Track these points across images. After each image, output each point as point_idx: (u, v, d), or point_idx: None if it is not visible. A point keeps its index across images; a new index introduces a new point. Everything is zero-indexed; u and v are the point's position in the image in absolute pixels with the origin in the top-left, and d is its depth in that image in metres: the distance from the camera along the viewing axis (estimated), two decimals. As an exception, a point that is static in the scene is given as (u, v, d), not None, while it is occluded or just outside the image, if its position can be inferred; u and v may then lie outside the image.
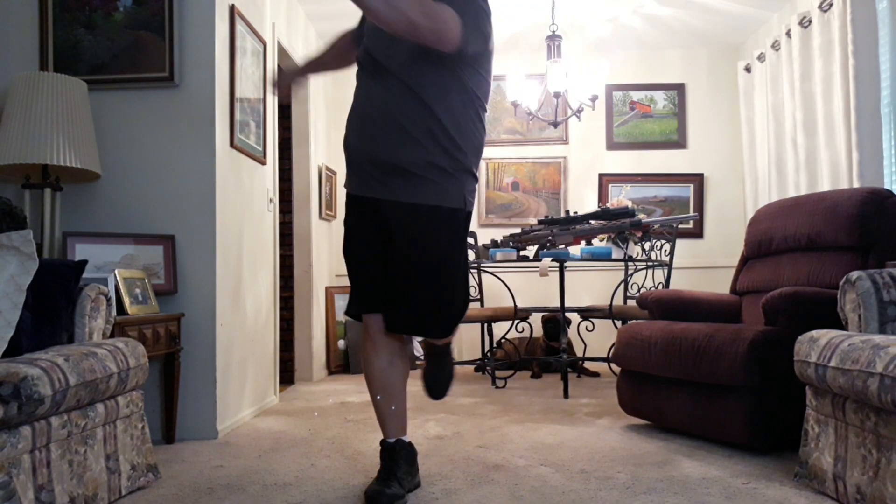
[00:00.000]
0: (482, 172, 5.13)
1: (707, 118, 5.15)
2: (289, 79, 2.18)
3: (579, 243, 3.89)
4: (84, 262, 2.16)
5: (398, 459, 1.94)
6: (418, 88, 1.84)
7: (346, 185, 2.01)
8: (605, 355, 4.23)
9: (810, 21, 3.86)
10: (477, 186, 2.01)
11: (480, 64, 1.90)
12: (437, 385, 2.21)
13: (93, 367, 1.78)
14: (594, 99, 4.21)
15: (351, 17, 4.95)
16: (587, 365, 4.50)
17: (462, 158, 1.89)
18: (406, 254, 1.90)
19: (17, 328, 1.86)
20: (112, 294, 2.26)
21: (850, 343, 1.75)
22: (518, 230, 4.06)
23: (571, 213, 3.88)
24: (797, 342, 2.00)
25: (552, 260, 3.74)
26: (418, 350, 5.02)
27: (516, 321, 4.21)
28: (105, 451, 1.89)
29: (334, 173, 5.00)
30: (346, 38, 2.13)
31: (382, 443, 1.98)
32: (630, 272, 4.52)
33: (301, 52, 4.23)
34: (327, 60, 2.19)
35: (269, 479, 2.13)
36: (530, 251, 3.97)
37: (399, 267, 1.91)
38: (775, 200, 3.46)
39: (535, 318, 4.59)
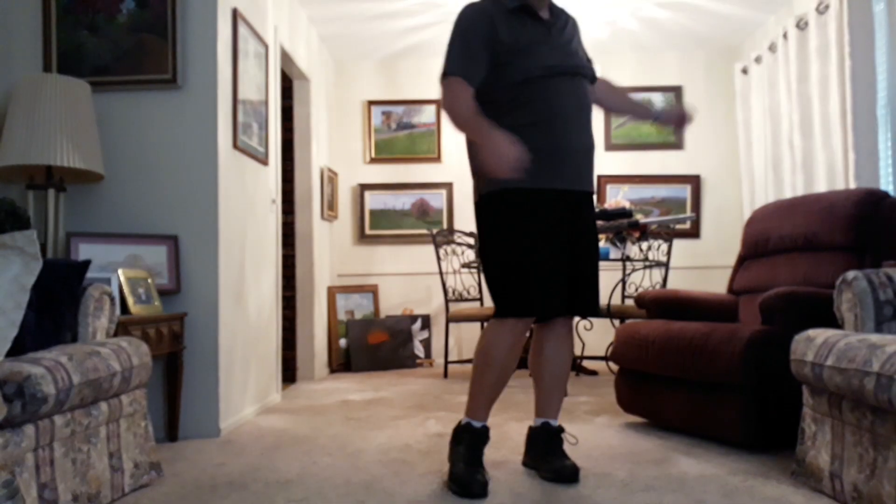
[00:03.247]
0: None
1: (704, 120, 5.17)
2: None
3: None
4: (87, 262, 2.17)
5: (482, 445, 2.06)
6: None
7: (526, 182, 1.96)
8: (603, 354, 4.24)
9: (807, 23, 3.88)
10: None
11: (493, 70, 2.04)
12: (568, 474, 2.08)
13: (96, 366, 1.79)
14: (593, 100, 4.23)
15: (351, 20, 4.97)
16: (585, 363, 4.52)
17: None
18: (592, 239, 2.17)
19: (21, 328, 1.87)
20: (115, 294, 2.27)
21: (847, 342, 1.76)
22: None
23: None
24: (794, 341, 2.01)
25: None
26: (418, 349, 5.03)
27: (516, 321, 4.22)
28: (108, 449, 1.90)
29: (336, 174, 5.02)
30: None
31: (469, 426, 2.06)
32: (628, 272, 4.54)
33: (303, 55, 4.26)
34: None
35: (271, 476, 2.15)
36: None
37: (590, 253, 2.15)
38: (772, 201, 3.48)
39: (535, 319, 4.60)
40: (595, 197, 2.19)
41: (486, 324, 4.35)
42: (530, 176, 1.92)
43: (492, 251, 2.05)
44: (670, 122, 2.33)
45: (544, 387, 2.17)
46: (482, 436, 2.06)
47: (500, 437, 2.64)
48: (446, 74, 2.03)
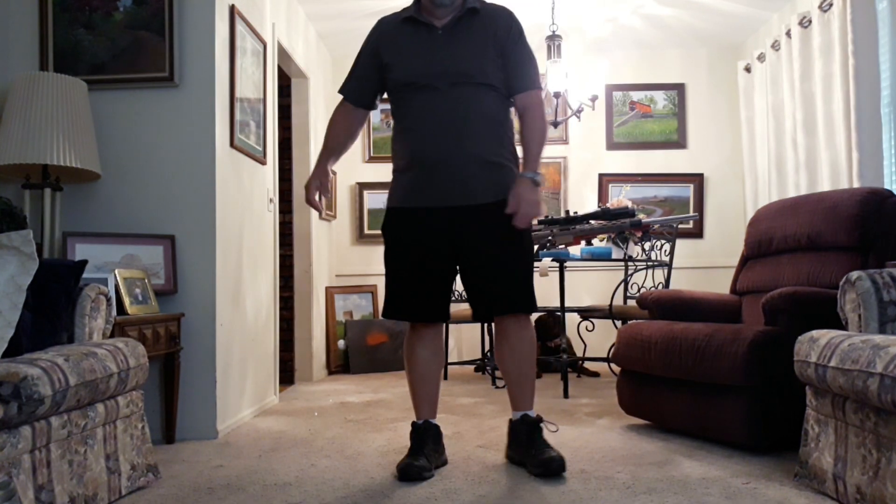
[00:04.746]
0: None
1: (707, 118, 5.15)
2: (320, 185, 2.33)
3: (579, 243, 3.89)
4: (84, 262, 2.16)
5: (426, 438, 2.19)
6: None
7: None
8: (605, 355, 4.23)
9: (810, 21, 3.86)
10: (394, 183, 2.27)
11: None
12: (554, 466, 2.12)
13: (93, 367, 1.78)
14: (594, 99, 4.22)
15: (349, 17, 4.95)
16: (587, 365, 4.50)
17: None
18: (485, 248, 2.24)
19: (17, 328, 1.86)
20: (112, 294, 2.26)
21: (850, 343, 1.75)
22: (518, 230, 4.05)
23: (571, 213, 3.88)
24: (797, 342, 2.00)
25: (552, 260, 3.74)
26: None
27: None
28: (105, 451, 1.89)
29: (334, 173, 5.00)
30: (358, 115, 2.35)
31: (413, 424, 2.22)
32: (630, 272, 4.52)
33: (301, 53, 4.24)
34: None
35: (269, 479, 2.13)
36: (530, 251, 3.96)
37: (483, 261, 2.24)
38: (775, 200, 3.46)
39: (535, 319, 4.58)
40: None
41: (486, 325, 4.34)
42: (400, 195, 2.17)
43: (384, 258, 2.29)
44: (512, 200, 2.12)
45: (512, 381, 2.26)
46: (422, 429, 2.20)
47: (500, 438, 2.61)
48: (340, 91, 2.29)
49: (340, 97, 2.34)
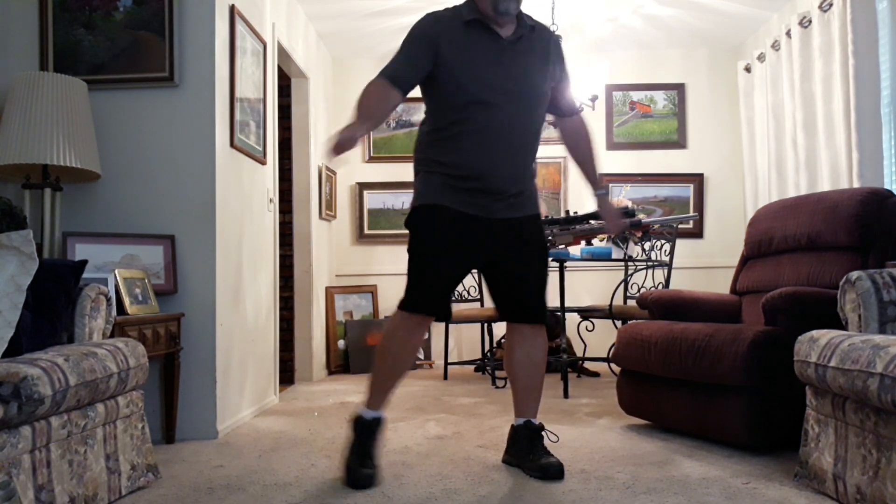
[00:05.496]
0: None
1: (707, 118, 5.15)
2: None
3: (579, 243, 3.89)
4: (84, 262, 2.16)
5: (377, 434, 2.16)
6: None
7: None
8: (605, 355, 4.23)
9: (810, 21, 3.86)
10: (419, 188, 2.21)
11: (427, 86, 2.15)
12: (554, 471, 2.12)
13: (93, 367, 1.78)
14: (594, 99, 4.21)
15: (349, 17, 4.95)
16: (587, 365, 4.50)
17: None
18: (520, 258, 2.27)
19: (17, 328, 1.86)
20: (112, 294, 2.26)
21: (850, 343, 1.75)
22: (518, 230, 4.05)
23: (571, 213, 3.88)
24: (797, 342, 2.00)
25: (552, 260, 3.73)
26: (418, 350, 5.01)
27: (516, 321, 4.20)
28: (105, 451, 1.89)
29: (334, 173, 5.00)
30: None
31: (360, 418, 2.16)
32: (630, 272, 4.52)
33: (301, 53, 4.24)
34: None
35: (269, 479, 2.13)
36: (530, 251, 3.96)
37: (518, 270, 2.27)
38: (775, 200, 3.46)
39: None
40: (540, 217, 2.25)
41: (485, 325, 4.33)
42: (444, 196, 2.11)
43: (411, 251, 2.21)
44: (605, 217, 2.36)
45: (520, 388, 2.26)
46: (372, 426, 2.14)
47: (501, 439, 2.61)
48: (379, 75, 2.10)
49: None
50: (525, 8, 2.15)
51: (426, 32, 2.11)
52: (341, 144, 1.93)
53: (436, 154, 2.14)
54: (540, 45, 2.16)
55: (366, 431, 2.13)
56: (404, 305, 2.13)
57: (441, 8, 2.21)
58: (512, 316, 2.24)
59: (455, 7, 2.15)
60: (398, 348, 2.16)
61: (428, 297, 2.13)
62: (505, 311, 2.25)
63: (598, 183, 2.31)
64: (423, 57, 2.09)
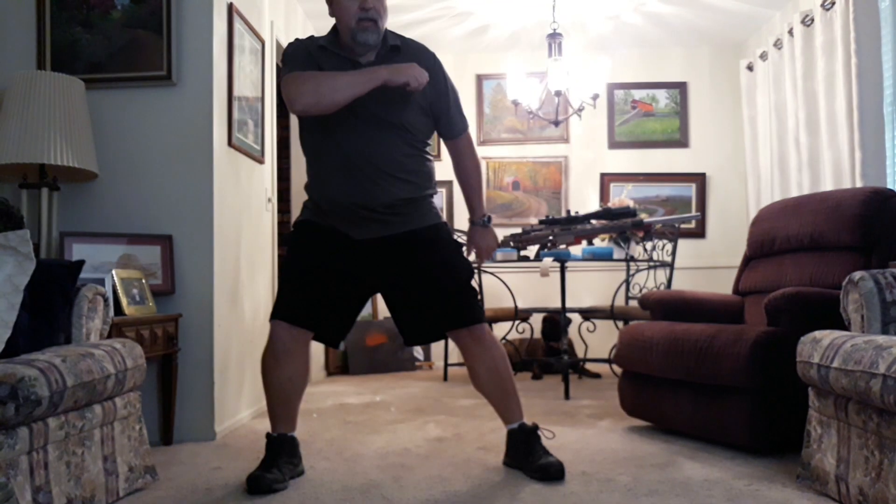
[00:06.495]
0: (483, 172, 5.11)
1: (709, 117, 5.13)
2: None
3: (580, 243, 3.88)
4: (81, 263, 2.14)
5: (281, 450, 2.12)
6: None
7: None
8: (606, 356, 4.21)
9: (812, 19, 3.84)
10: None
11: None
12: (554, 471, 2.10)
13: (90, 368, 1.77)
14: (595, 97, 4.20)
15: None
16: (588, 366, 4.48)
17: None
18: (405, 276, 2.23)
19: (14, 329, 1.85)
20: (109, 294, 2.25)
21: (853, 344, 1.73)
22: (519, 230, 4.04)
23: (572, 213, 3.86)
24: (800, 343, 1.99)
25: (553, 260, 3.72)
26: (417, 351, 5.00)
27: (517, 322, 4.19)
28: (102, 452, 1.88)
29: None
30: None
31: (268, 435, 2.15)
32: (632, 272, 4.50)
33: (301, 52, 4.22)
34: None
35: (267, 480, 2.12)
36: (531, 251, 3.95)
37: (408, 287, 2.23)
38: (778, 200, 3.45)
39: (536, 319, 4.57)
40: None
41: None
42: (317, 215, 2.14)
43: (280, 266, 2.24)
44: (470, 248, 2.36)
45: (492, 398, 2.24)
46: (275, 443, 2.12)
47: (501, 441, 2.60)
48: (285, 77, 2.03)
49: (290, 74, 2.13)
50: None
51: (302, 50, 2.09)
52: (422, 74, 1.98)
53: (309, 189, 2.19)
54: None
55: (271, 446, 2.11)
56: (270, 315, 2.13)
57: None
58: (434, 328, 2.18)
59: (312, 37, 2.17)
60: (267, 369, 2.13)
61: (286, 303, 2.10)
62: (420, 328, 2.19)
63: (478, 211, 2.30)
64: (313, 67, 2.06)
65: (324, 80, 1.98)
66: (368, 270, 2.14)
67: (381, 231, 2.11)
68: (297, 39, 2.17)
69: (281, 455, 2.10)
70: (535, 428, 2.21)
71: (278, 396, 2.14)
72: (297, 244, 2.18)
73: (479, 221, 2.31)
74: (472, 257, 2.41)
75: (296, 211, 4.37)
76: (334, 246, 2.11)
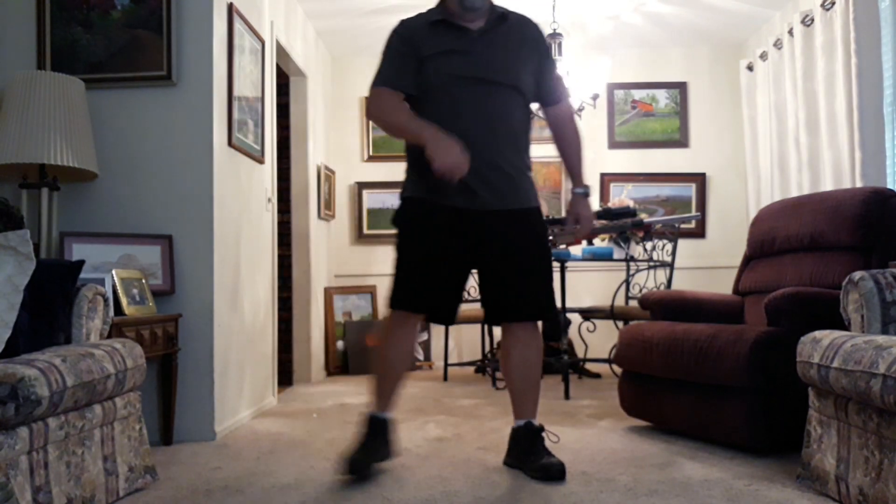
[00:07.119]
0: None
1: (709, 117, 5.13)
2: None
3: (580, 243, 3.87)
4: (81, 263, 2.14)
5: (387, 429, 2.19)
6: None
7: None
8: (606, 356, 4.21)
9: (812, 19, 3.84)
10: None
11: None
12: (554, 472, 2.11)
13: (90, 367, 1.77)
14: (595, 97, 4.20)
15: (348, 15, 4.92)
16: (588, 366, 4.48)
17: None
18: (511, 252, 2.24)
19: (14, 329, 1.85)
20: (109, 294, 2.25)
21: (853, 344, 1.73)
22: (519, 230, 4.03)
23: (572, 213, 3.85)
24: (800, 343, 1.98)
25: (553, 260, 3.71)
26: (417, 351, 5.00)
27: (517, 321, 4.18)
28: (102, 452, 1.88)
29: (333, 173, 4.99)
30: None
31: (371, 416, 2.19)
32: (632, 272, 4.50)
33: (300, 51, 4.22)
34: None
35: (267, 481, 2.12)
36: (531, 251, 3.94)
37: (508, 266, 2.24)
38: (778, 200, 3.45)
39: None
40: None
41: (486, 325, 4.32)
42: (429, 190, 2.11)
43: (396, 248, 2.21)
44: (578, 219, 2.29)
45: (516, 389, 2.25)
46: (380, 425, 2.18)
47: (501, 441, 2.60)
48: (372, 87, 2.16)
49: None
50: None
51: (402, 37, 2.17)
52: (455, 165, 1.98)
53: (415, 147, 2.17)
54: (515, 33, 2.17)
55: (374, 429, 2.17)
56: (389, 302, 2.17)
57: (435, 6, 2.21)
58: (503, 314, 2.21)
59: (420, 13, 2.21)
60: (387, 348, 2.20)
61: (408, 292, 2.14)
62: (495, 310, 2.22)
63: (579, 179, 2.29)
64: (409, 58, 2.14)
65: (391, 115, 2.15)
66: (474, 246, 2.15)
67: (493, 203, 2.11)
68: (401, 23, 2.20)
69: (382, 437, 2.17)
70: (541, 429, 2.21)
71: (390, 376, 2.19)
72: (410, 227, 2.18)
73: (583, 190, 2.28)
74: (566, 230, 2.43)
75: (296, 211, 4.37)
76: (446, 226, 2.12)
